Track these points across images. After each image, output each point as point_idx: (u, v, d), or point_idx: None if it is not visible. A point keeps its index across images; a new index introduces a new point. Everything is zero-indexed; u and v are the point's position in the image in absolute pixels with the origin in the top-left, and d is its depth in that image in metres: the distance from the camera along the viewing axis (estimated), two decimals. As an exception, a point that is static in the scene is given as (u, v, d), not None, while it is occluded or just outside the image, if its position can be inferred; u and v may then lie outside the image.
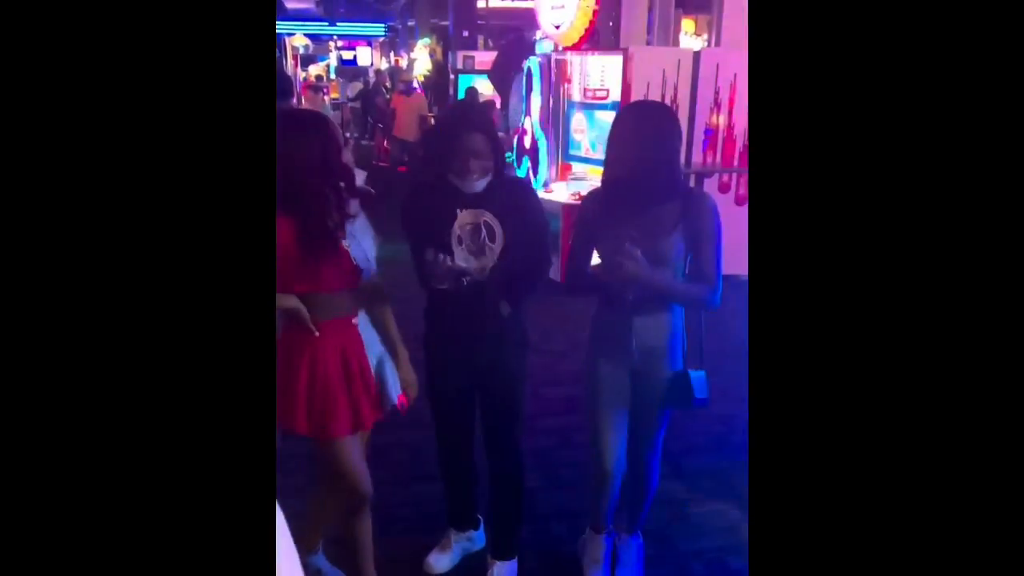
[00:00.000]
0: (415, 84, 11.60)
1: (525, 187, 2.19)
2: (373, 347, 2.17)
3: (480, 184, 2.10)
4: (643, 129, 1.97)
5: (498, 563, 2.41)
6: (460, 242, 2.11)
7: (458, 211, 2.12)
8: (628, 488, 2.36)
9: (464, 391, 2.33)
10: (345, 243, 1.99)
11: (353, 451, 2.08)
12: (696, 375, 2.14)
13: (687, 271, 2.08)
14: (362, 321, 2.13)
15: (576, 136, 6.00)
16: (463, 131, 2.09)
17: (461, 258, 2.10)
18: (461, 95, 10.29)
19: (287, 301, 1.91)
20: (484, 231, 2.12)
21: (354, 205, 2.05)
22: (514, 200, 2.17)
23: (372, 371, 2.14)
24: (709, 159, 5.54)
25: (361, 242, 2.08)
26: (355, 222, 2.06)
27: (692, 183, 5.40)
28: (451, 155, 2.08)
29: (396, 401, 2.22)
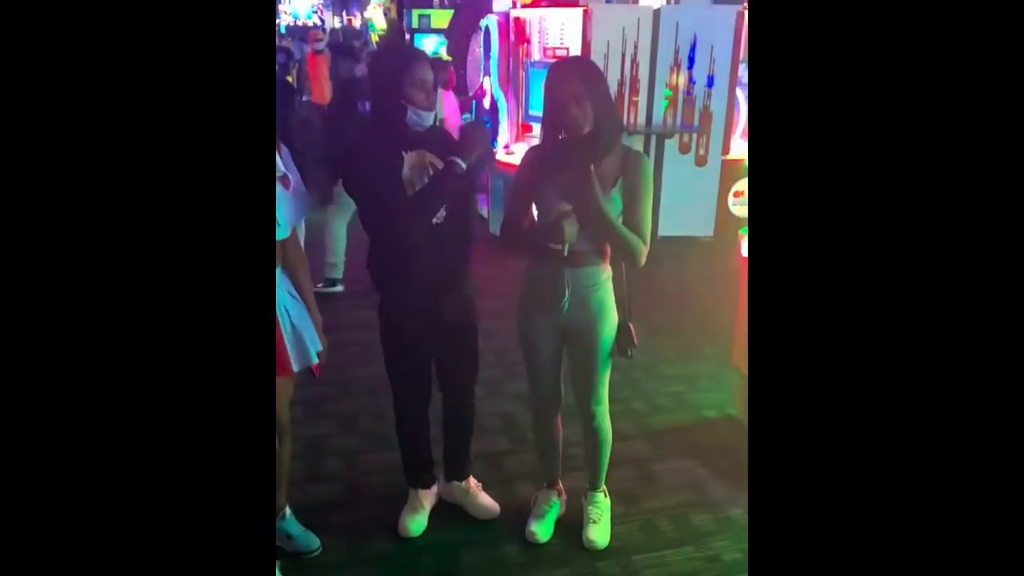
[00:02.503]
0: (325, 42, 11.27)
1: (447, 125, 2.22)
2: (283, 303, 2.11)
3: (429, 119, 2.08)
4: (579, 85, 1.97)
5: (455, 483, 2.57)
6: (412, 186, 2.08)
7: (403, 153, 2.08)
8: (584, 443, 2.43)
9: (421, 342, 2.31)
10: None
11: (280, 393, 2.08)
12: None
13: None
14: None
15: (536, 96, 5.94)
16: (414, 59, 2.09)
17: None
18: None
19: None
20: (432, 172, 2.09)
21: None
22: (444, 138, 2.13)
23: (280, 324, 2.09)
24: (669, 120, 5.54)
25: (280, 203, 1.99)
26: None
27: (652, 144, 5.40)
28: (408, 86, 2.03)
29: (316, 361, 2.18)
